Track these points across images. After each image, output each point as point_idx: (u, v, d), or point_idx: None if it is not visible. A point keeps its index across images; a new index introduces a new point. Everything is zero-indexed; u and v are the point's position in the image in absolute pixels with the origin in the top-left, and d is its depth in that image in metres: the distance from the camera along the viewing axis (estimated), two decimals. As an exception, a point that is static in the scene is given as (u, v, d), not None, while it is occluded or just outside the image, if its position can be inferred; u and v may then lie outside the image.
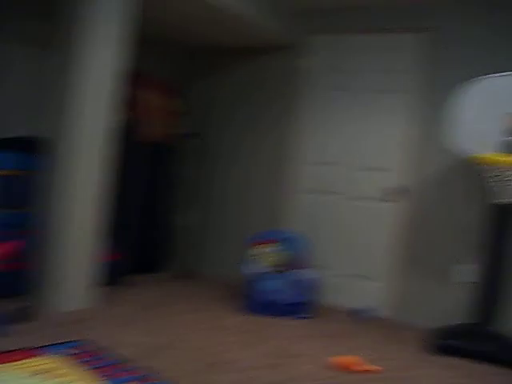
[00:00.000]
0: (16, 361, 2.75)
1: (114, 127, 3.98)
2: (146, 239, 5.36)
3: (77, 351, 2.98)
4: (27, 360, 2.77)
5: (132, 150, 4.83)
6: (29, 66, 4.43)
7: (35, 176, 3.94)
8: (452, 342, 3.85)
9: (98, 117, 3.86)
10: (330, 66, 5.08)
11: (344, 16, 4.93)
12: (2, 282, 3.69)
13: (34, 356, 2.83)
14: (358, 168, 4.94)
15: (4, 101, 4.30)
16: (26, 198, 4.00)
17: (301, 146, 5.20)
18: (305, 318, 4.33)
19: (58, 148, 3.80)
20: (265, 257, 4.63)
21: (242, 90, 5.54)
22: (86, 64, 3.74)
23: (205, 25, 4.80)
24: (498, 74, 3.85)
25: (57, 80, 3.85)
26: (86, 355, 2.95)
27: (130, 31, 4.02)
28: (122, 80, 4.00)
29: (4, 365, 2.68)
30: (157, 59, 5.52)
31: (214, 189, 5.66)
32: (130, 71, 4.34)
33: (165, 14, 4.60)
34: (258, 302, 4.31)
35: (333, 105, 5.06)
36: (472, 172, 4.13)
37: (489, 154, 3.73)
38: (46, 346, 2.99)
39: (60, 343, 3.06)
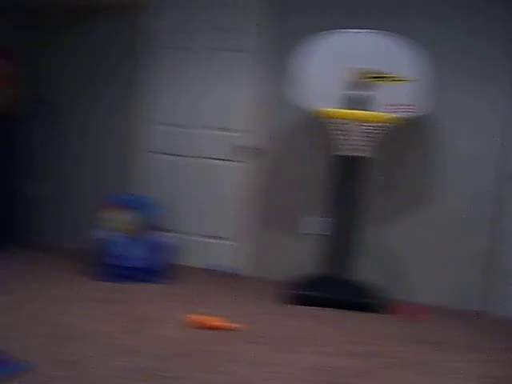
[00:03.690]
0: None
1: None
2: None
3: None
4: None
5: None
6: None
7: None
8: (307, 293, 4.05)
9: None
10: (175, 24, 5.02)
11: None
12: None
13: None
14: (206, 128, 4.97)
15: None
16: None
17: (150, 107, 5.13)
18: (163, 282, 4.32)
19: None
20: (118, 222, 4.55)
21: (90, 53, 5.30)
22: None
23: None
24: (336, 31, 4.01)
25: None
26: None
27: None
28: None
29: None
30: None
31: (66, 157, 5.41)
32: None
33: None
34: (115, 269, 4.23)
35: (179, 65, 5.04)
36: (317, 126, 4.30)
37: (332, 108, 3.89)
38: None
39: None
